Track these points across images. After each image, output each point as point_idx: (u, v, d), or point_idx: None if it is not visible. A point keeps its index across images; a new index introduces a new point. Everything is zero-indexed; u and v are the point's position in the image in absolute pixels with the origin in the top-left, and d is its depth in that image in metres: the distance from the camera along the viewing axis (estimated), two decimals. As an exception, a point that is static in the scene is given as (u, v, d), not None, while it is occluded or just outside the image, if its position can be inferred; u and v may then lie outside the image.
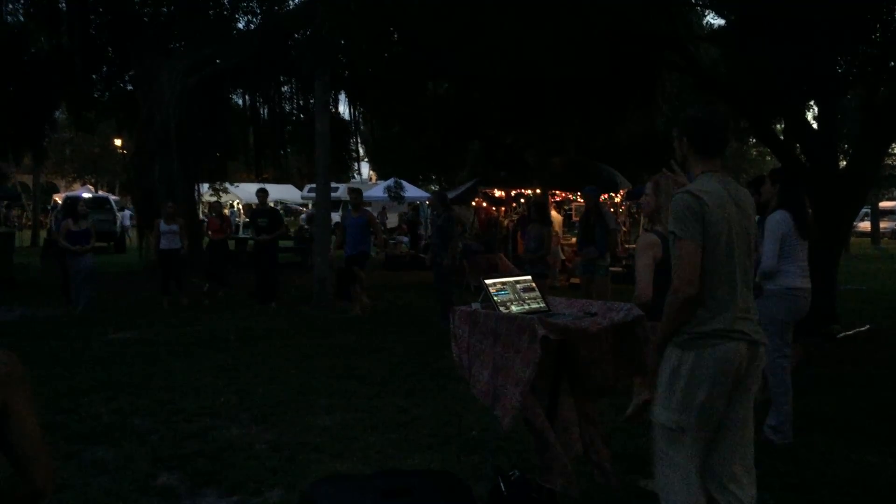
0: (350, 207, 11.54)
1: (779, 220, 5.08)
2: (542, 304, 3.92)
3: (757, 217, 3.61)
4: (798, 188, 5.46)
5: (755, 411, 3.11)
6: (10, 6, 18.30)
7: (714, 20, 24.52)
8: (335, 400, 6.25)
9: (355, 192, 11.42)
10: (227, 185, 26.75)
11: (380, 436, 5.27)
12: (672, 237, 2.96)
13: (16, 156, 20.75)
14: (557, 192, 18.64)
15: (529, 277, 4.07)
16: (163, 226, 12.00)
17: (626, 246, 17.41)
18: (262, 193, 12.80)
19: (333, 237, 12.92)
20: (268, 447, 5.03)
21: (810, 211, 5.54)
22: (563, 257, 16.32)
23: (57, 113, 22.85)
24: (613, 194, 18.20)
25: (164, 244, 11.96)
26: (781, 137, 12.58)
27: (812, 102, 12.46)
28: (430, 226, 14.57)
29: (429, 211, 30.56)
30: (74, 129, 27.51)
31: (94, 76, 18.63)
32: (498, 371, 3.57)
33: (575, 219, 23.60)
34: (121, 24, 16.75)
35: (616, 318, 3.69)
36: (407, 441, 5.16)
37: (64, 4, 17.09)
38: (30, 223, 29.54)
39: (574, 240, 18.50)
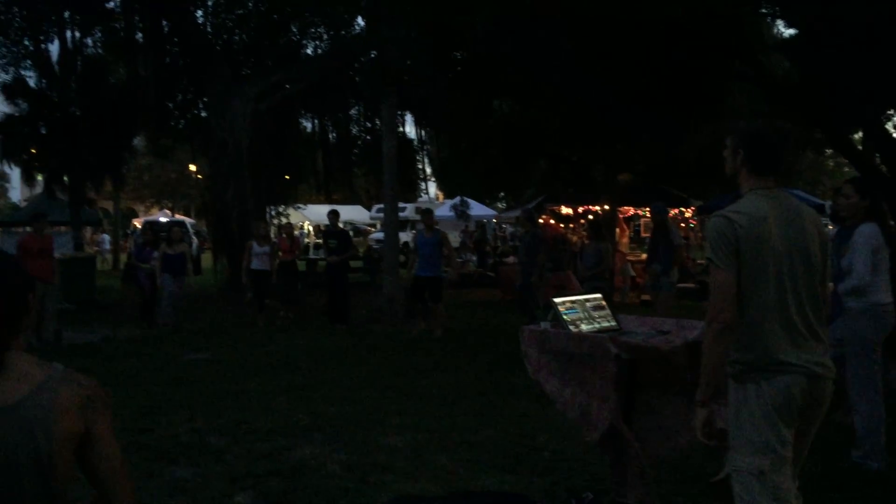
0: (422, 227, 11.56)
1: (870, 232, 4.83)
2: (612, 323, 3.88)
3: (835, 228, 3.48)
4: (880, 198, 5.27)
5: (842, 433, 2.98)
6: (91, 39, 19.14)
7: (785, 29, 23.96)
8: (406, 419, 6.27)
9: (427, 212, 11.43)
10: (295, 206, 27.26)
11: (451, 456, 5.25)
12: (708, 262, 2.86)
13: (96, 183, 21.56)
14: (626, 207, 18.41)
15: (600, 296, 4.04)
16: (255, 247, 12.20)
17: (699, 262, 17.06)
18: (333, 215, 12.93)
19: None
20: (340, 467, 5.05)
21: (893, 222, 5.35)
22: (633, 274, 16.11)
23: (135, 140, 23.70)
24: (684, 209, 17.90)
25: (255, 265, 12.14)
26: (860, 147, 12.19)
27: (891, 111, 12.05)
28: (518, 243, 14.51)
29: (494, 228, 30.61)
30: (152, 155, 28.60)
31: (169, 104, 19.26)
32: (580, 388, 3.55)
33: (644, 234, 23.19)
34: (194, 54, 17.31)
35: (690, 337, 3.62)
36: (478, 461, 5.12)
37: (140, 36, 17.75)
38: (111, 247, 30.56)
39: (644, 256, 18.29)
